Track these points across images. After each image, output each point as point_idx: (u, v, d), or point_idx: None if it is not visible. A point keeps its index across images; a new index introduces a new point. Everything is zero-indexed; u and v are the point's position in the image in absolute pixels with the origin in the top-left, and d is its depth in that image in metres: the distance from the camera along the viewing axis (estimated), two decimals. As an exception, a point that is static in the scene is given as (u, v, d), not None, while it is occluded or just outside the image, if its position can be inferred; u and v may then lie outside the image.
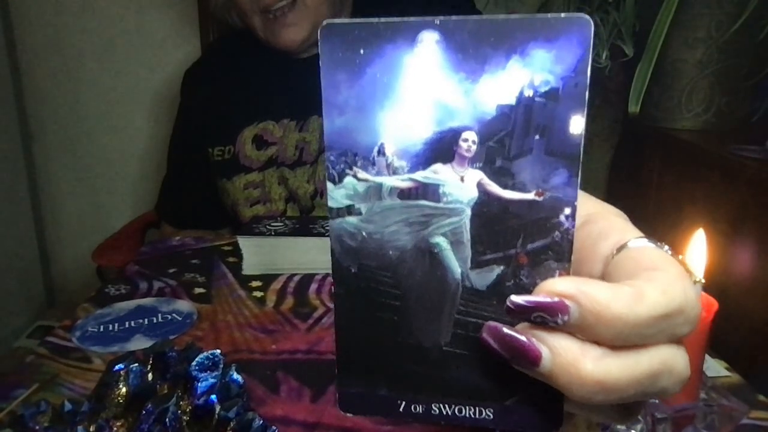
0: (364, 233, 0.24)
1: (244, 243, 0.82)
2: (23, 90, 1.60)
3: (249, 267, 0.80)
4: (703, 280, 0.41)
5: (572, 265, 0.23)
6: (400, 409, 0.24)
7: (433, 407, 0.24)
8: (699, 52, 1.14)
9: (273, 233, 0.82)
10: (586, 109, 0.21)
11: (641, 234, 0.23)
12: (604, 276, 0.23)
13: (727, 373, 0.58)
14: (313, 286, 0.76)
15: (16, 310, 1.61)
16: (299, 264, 0.79)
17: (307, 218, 0.99)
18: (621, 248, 0.23)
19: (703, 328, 0.42)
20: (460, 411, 0.24)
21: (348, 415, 0.25)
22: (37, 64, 1.58)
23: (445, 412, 0.24)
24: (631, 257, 0.22)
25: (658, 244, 0.23)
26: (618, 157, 1.52)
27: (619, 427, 0.44)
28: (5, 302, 1.56)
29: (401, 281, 0.24)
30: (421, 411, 0.24)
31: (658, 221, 1.21)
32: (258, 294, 0.74)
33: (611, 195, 1.51)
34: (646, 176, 1.28)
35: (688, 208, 1.14)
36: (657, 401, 0.43)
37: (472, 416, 0.24)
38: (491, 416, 0.23)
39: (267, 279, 0.78)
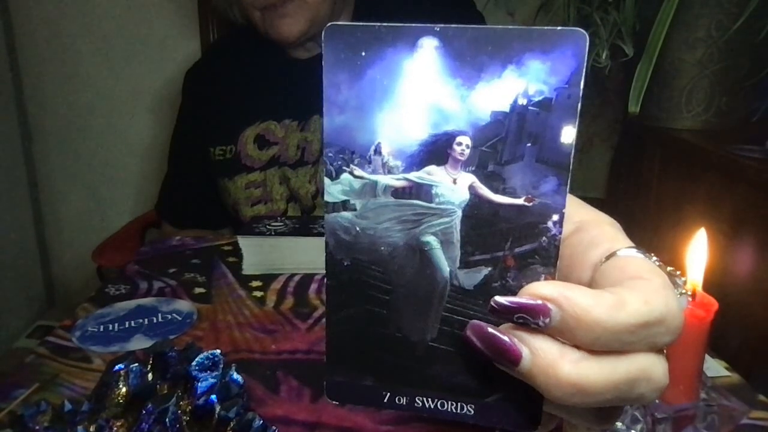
0: (357, 228, 0.24)
1: (244, 243, 0.82)
2: (23, 90, 1.60)
3: (249, 267, 0.80)
4: (689, 293, 0.41)
5: (562, 272, 0.24)
6: (385, 400, 0.25)
7: (417, 400, 0.25)
8: (699, 52, 1.14)
9: (273, 233, 0.82)
10: (578, 120, 0.22)
11: (632, 244, 0.24)
12: (592, 283, 0.23)
13: (727, 373, 0.58)
14: (313, 286, 0.76)
15: (16, 310, 1.61)
16: (299, 264, 0.79)
17: (307, 218, 0.99)
18: (609, 257, 0.23)
19: (703, 328, 0.42)
20: (442, 405, 0.25)
21: (334, 403, 0.26)
22: (37, 64, 1.58)
23: (427, 405, 0.25)
24: (618, 266, 0.23)
25: (647, 254, 0.23)
26: (618, 157, 1.52)
27: (619, 426, 0.44)
28: (5, 302, 1.56)
29: (391, 276, 0.24)
30: (404, 403, 0.25)
31: (658, 221, 1.21)
32: (258, 294, 0.74)
33: (611, 195, 1.51)
34: (646, 176, 1.28)
35: (688, 208, 1.14)
36: (657, 401, 0.43)
37: (454, 411, 0.24)
38: (472, 412, 0.24)
39: (267, 279, 0.78)
